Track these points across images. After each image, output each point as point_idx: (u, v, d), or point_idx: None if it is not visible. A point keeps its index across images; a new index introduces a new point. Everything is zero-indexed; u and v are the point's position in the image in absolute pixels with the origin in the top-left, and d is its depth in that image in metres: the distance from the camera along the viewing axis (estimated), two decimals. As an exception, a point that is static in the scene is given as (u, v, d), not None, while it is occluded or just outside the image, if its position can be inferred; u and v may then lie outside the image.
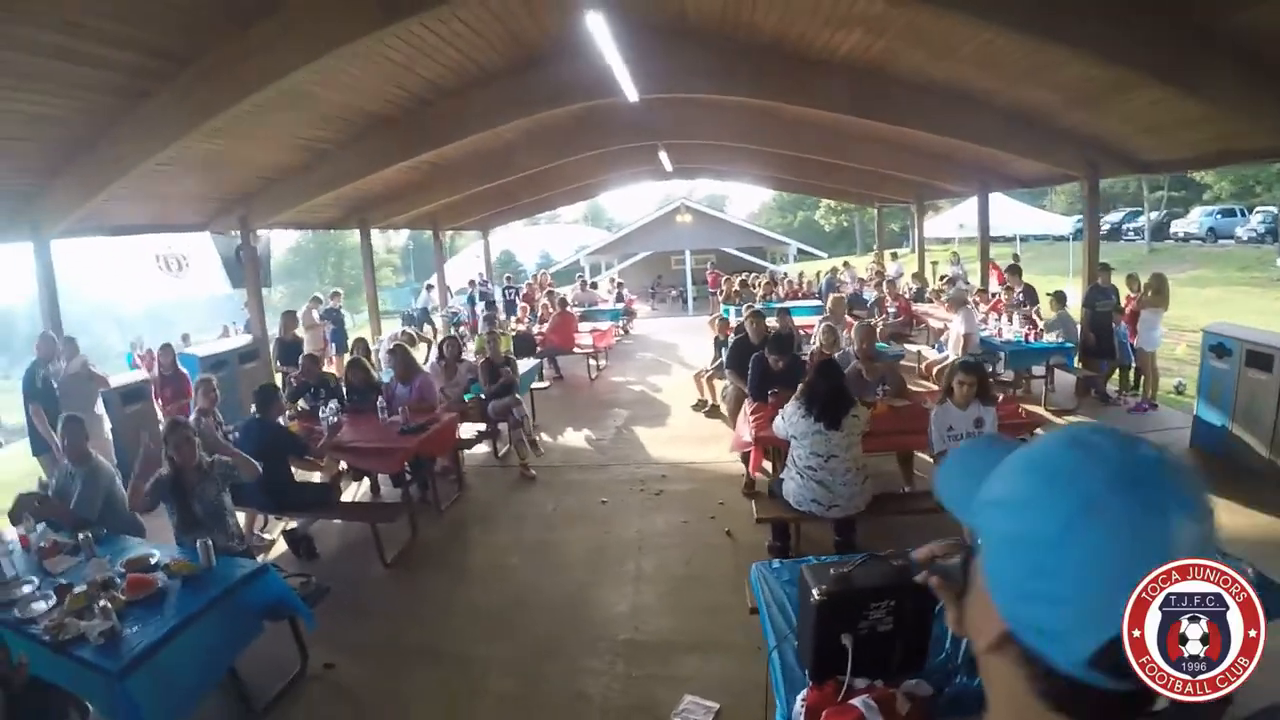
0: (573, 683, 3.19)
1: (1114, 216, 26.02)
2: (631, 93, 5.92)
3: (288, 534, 4.70)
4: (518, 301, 13.57)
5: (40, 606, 2.81)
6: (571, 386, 9.37)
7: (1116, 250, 20.60)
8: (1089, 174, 7.78)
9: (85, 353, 6.01)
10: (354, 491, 5.64)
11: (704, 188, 40.18)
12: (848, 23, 5.31)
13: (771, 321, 6.62)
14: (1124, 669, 0.48)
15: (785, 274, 16.19)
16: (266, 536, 4.98)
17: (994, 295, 9.18)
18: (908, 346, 9.28)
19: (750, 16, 5.50)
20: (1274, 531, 4.15)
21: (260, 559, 4.32)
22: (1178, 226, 22.83)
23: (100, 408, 6.05)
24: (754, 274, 15.54)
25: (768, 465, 4.96)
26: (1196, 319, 9.34)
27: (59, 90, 4.33)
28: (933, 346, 8.74)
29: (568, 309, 10.24)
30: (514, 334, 9.48)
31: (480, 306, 12.99)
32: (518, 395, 6.06)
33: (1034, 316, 7.71)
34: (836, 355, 5.17)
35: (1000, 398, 4.84)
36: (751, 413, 4.76)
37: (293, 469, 4.80)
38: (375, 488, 5.66)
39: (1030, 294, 8.49)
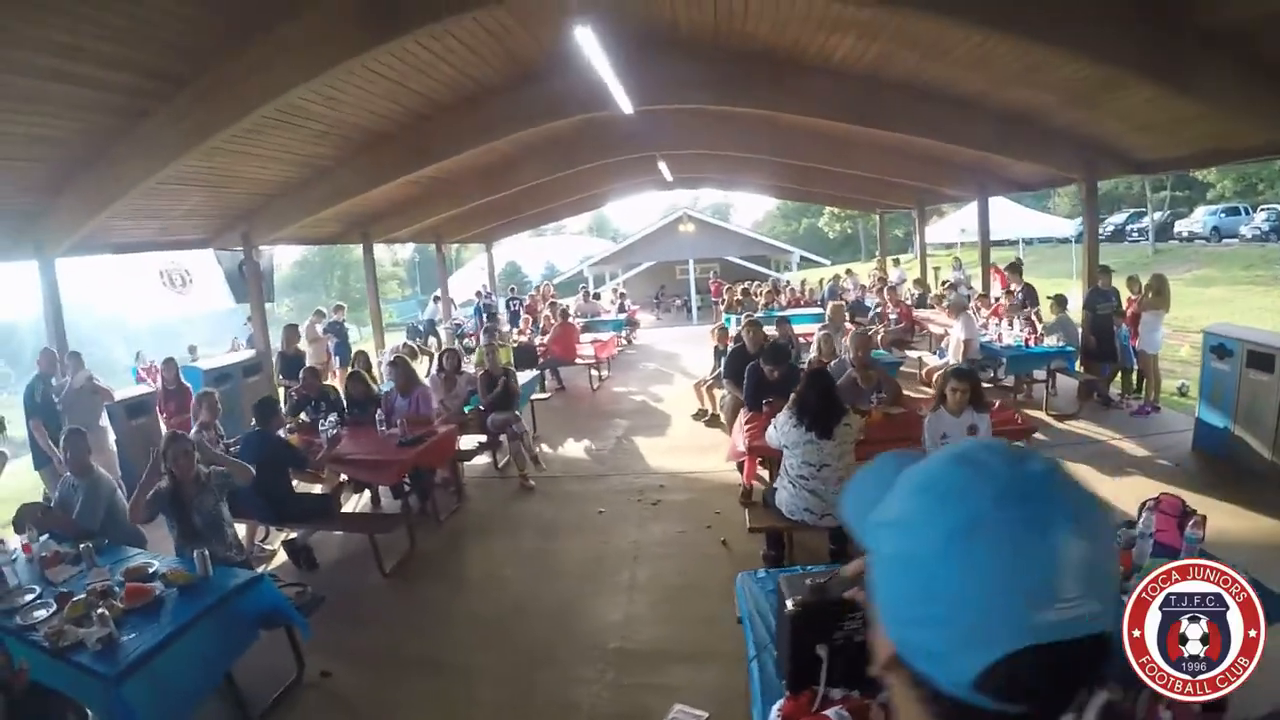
0: (563, 692, 3.19)
1: (1118, 218, 25.92)
2: (626, 105, 5.98)
3: (288, 544, 4.74)
4: (521, 313, 13.65)
5: (41, 614, 2.89)
6: (573, 397, 9.41)
7: (1121, 251, 20.52)
8: (1086, 175, 7.78)
9: (94, 366, 6.12)
10: (355, 503, 5.68)
11: (709, 197, 40.36)
12: (840, 27, 5.35)
13: (770, 330, 6.63)
14: (1009, 691, 0.46)
15: (787, 282, 16.19)
16: (268, 547, 5.03)
17: (996, 299, 9.15)
18: (909, 353, 9.25)
19: (742, 25, 5.55)
20: (1276, 535, 4.09)
21: (261, 569, 4.36)
22: (1182, 226, 22.64)
23: (105, 421, 6.14)
24: (756, 282, 15.57)
25: (765, 474, 4.96)
26: (1201, 319, 9.28)
27: (59, 112, 4.43)
28: (934, 353, 8.71)
29: (569, 320, 10.28)
30: (516, 345, 9.54)
31: (483, 318, 13.07)
32: (517, 412, 6.08)
33: (1034, 319, 7.68)
34: (833, 363, 5.18)
35: (997, 404, 4.82)
36: (746, 422, 4.76)
37: (294, 481, 4.87)
38: (376, 499, 5.70)
39: (1030, 293, 8.45)
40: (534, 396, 7.71)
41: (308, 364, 7.26)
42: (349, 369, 6.93)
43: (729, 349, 6.67)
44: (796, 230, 40.94)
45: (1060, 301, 7.43)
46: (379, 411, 5.35)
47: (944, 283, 12.46)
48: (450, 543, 4.99)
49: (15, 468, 5.48)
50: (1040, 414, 6.89)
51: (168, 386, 6.78)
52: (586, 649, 3.50)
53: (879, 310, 10.37)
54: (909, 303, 10.85)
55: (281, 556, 4.78)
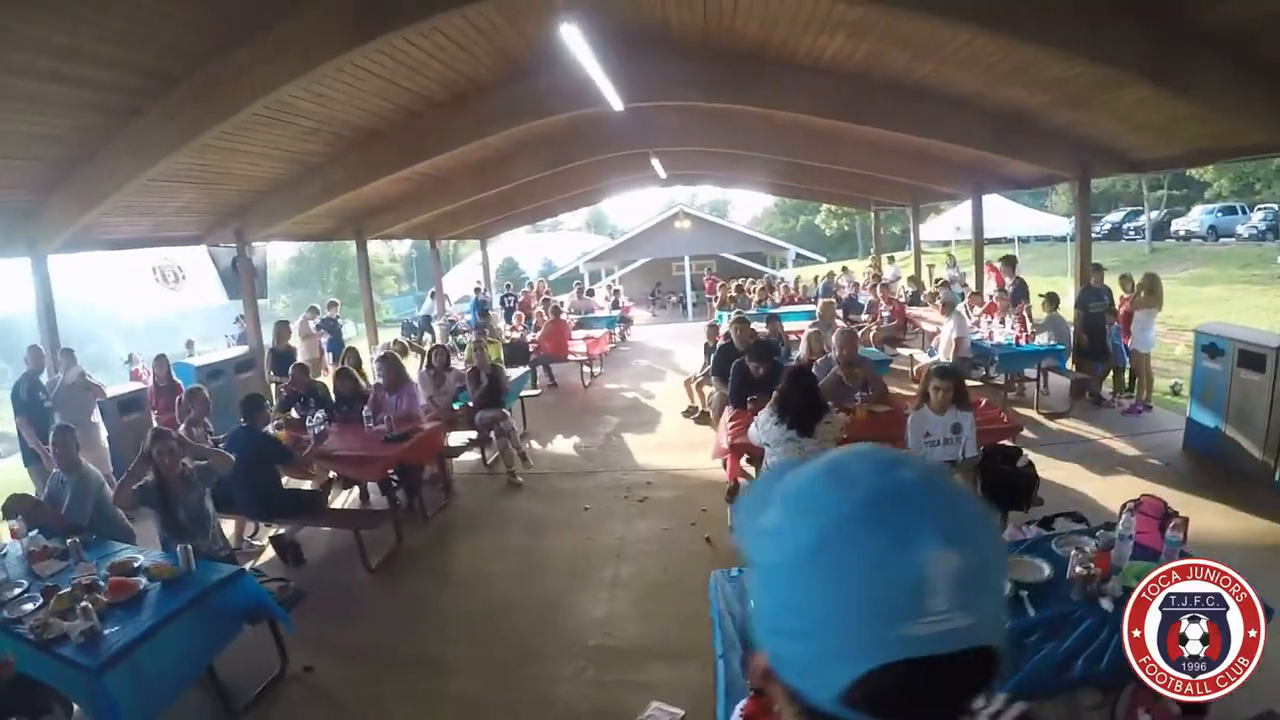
0: (543, 688, 3.22)
1: (1115, 216, 25.94)
2: (616, 102, 5.97)
3: (276, 540, 4.76)
4: (515, 309, 13.65)
5: (28, 607, 2.94)
6: (565, 393, 9.41)
7: (1117, 250, 20.53)
8: (1079, 174, 7.76)
9: (92, 362, 6.14)
10: (344, 499, 5.70)
11: (707, 193, 40.35)
12: (829, 26, 5.35)
13: (760, 328, 6.64)
14: (878, 707, 0.45)
15: (781, 279, 16.19)
16: (256, 543, 5.05)
17: (990, 297, 9.13)
18: (901, 350, 9.26)
19: (731, 24, 5.55)
20: (1268, 535, 4.08)
21: (250, 564, 4.41)
22: (1179, 225, 22.66)
23: (97, 417, 6.16)
24: (750, 279, 15.58)
25: (752, 471, 4.97)
26: (1197, 318, 9.27)
27: (54, 111, 4.46)
28: (926, 351, 8.72)
29: (561, 316, 10.28)
30: (508, 341, 9.54)
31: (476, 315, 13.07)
32: (505, 410, 6.10)
33: (1025, 316, 7.67)
34: (819, 360, 5.19)
35: (984, 402, 4.83)
36: (730, 419, 4.77)
37: (284, 477, 4.90)
38: (365, 495, 5.72)
39: (1021, 288, 8.44)
40: (524, 393, 7.72)
41: (299, 360, 7.27)
42: (339, 365, 6.95)
43: (718, 346, 6.68)
44: (794, 227, 40.90)
45: (1052, 299, 7.41)
46: (365, 408, 5.36)
47: (938, 280, 12.46)
48: (437, 539, 5.01)
49: (4, 465, 5.50)
50: (1031, 412, 6.91)
51: (159, 383, 6.80)
52: (568, 645, 3.52)
53: (872, 307, 10.35)
54: (902, 300, 10.84)
55: (270, 552, 4.80)
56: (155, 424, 6.38)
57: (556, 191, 13.20)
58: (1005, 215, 16.93)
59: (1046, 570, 2.60)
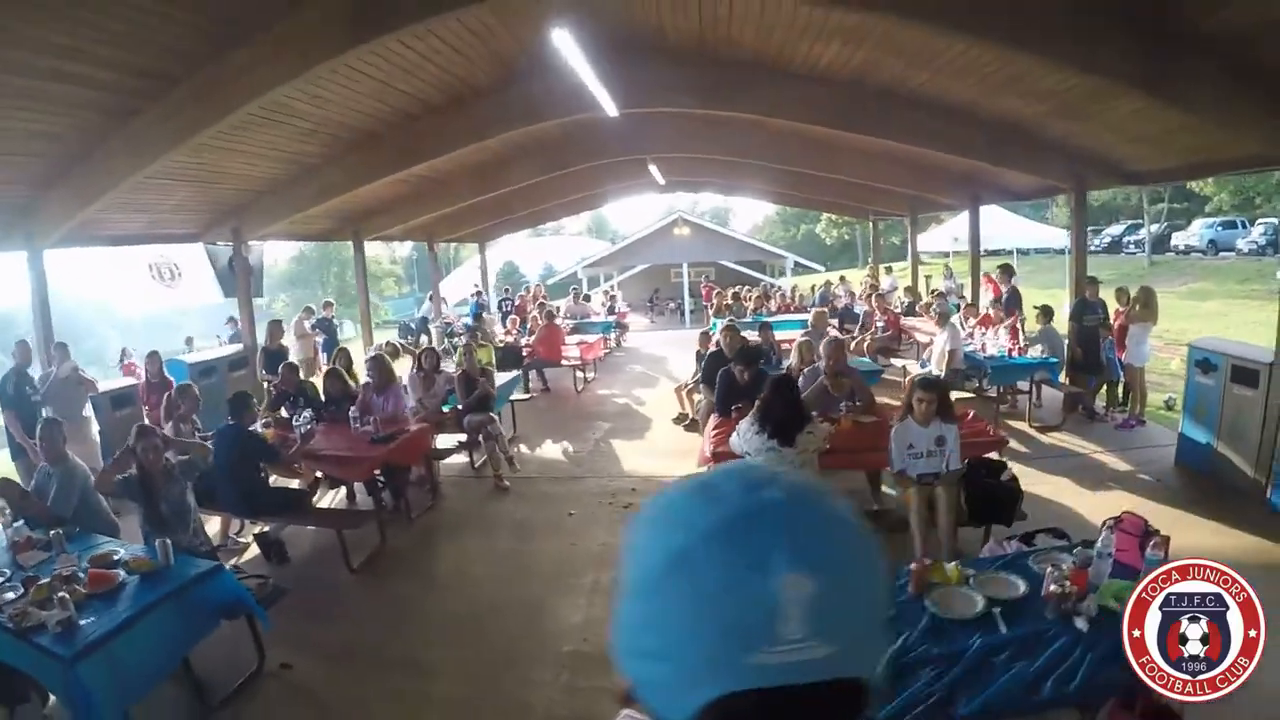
0: (519, 693, 3.21)
1: (1115, 229, 25.93)
2: (611, 108, 6.00)
3: (260, 537, 4.77)
4: (511, 313, 13.66)
5: (9, 596, 2.97)
6: (557, 398, 9.41)
7: (1117, 263, 20.51)
8: (1075, 185, 7.75)
9: (89, 357, 6.16)
10: (331, 499, 5.70)
11: (708, 201, 40.39)
12: (824, 34, 5.36)
13: (753, 335, 6.63)
14: None
15: (778, 287, 16.20)
16: (241, 540, 5.06)
17: (986, 309, 9.11)
18: (894, 361, 9.25)
19: (727, 31, 5.57)
20: (1260, 553, 4.03)
21: (233, 561, 4.42)
22: (1178, 239, 22.62)
23: (89, 411, 6.18)
24: (747, 287, 15.59)
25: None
26: (1195, 333, 9.25)
27: (54, 109, 4.50)
28: (919, 362, 8.71)
29: (554, 321, 10.29)
30: (501, 345, 9.55)
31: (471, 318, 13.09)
32: (493, 414, 6.09)
33: (1018, 327, 7.66)
34: (807, 370, 5.19)
35: (970, 414, 4.81)
36: (714, 427, 4.77)
37: (270, 476, 4.90)
38: (351, 495, 5.72)
39: (1015, 296, 8.41)
40: (515, 397, 7.72)
41: (292, 359, 7.29)
42: (329, 365, 6.96)
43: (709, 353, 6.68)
44: (795, 236, 40.91)
45: (1046, 312, 7.41)
46: (353, 409, 5.37)
47: (934, 291, 12.45)
48: (421, 540, 5.01)
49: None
50: (1023, 425, 6.89)
51: (151, 379, 6.82)
52: (546, 651, 3.51)
53: (867, 317, 10.34)
54: (898, 310, 10.83)
55: (255, 549, 4.80)
56: (146, 419, 6.41)
57: (555, 196, 13.22)
58: (1005, 227, 16.92)
59: (1022, 587, 2.56)
